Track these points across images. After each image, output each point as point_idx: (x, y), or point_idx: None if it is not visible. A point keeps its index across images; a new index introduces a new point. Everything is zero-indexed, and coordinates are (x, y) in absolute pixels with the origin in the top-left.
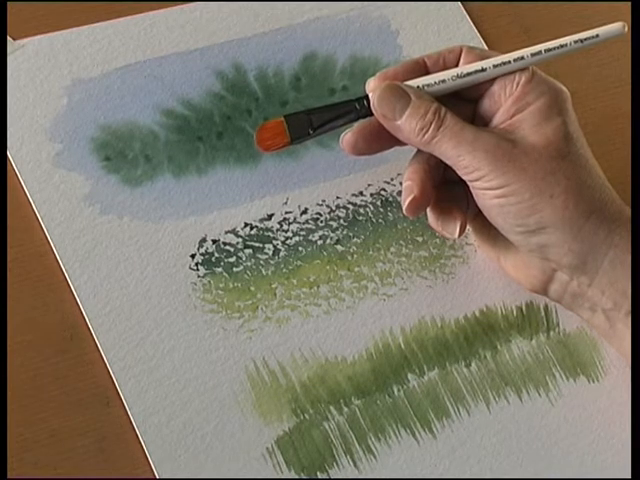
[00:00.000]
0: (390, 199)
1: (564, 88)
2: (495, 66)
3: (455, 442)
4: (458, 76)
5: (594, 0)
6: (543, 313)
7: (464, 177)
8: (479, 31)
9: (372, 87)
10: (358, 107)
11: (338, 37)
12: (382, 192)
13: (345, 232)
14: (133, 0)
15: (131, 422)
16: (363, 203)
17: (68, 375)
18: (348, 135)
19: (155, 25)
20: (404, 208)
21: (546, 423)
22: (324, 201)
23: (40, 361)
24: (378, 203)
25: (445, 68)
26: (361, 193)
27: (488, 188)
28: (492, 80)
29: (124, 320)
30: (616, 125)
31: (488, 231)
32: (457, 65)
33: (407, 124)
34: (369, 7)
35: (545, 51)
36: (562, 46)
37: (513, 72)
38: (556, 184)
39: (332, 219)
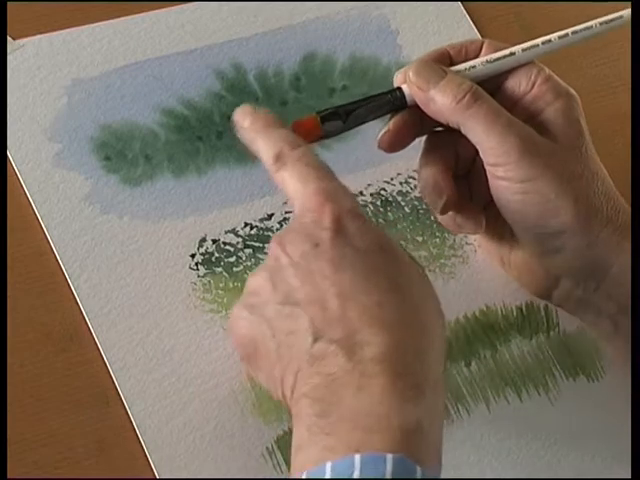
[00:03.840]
0: (390, 199)
1: (575, 93)
2: (524, 50)
3: (455, 442)
4: (488, 61)
5: (594, 0)
6: (543, 313)
7: (487, 160)
8: (479, 31)
9: (401, 78)
10: (392, 98)
11: (338, 37)
12: (382, 192)
13: None
14: (133, 0)
15: (131, 422)
16: (363, 203)
17: (68, 375)
18: (386, 136)
19: (155, 25)
20: (439, 210)
21: (546, 423)
22: None
23: (40, 361)
24: (378, 203)
25: (467, 59)
26: (361, 193)
27: (511, 179)
28: (505, 77)
29: (124, 320)
30: (616, 125)
31: (492, 231)
32: (478, 57)
33: (441, 93)
34: (369, 7)
35: (572, 33)
36: (588, 28)
37: (532, 66)
38: (579, 189)
39: None
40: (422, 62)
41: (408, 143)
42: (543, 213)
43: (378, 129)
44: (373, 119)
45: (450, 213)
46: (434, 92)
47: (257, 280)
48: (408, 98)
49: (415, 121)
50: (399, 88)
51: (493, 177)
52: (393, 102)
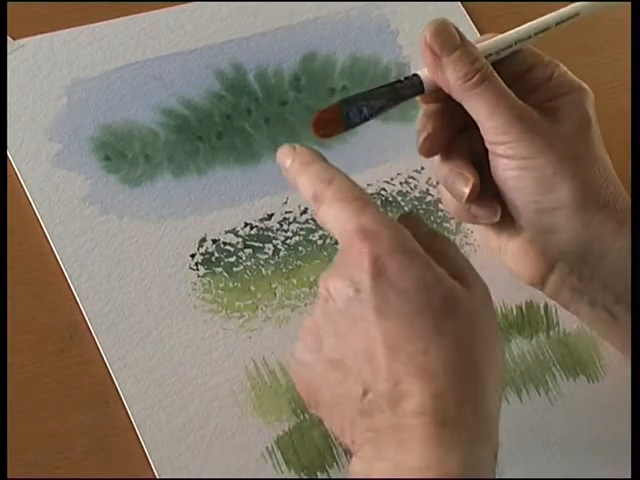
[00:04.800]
0: (390, 199)
1: (588, 88)
2: (530, 27)
3: None
4: (495, 39)
5: (594, 0)
6: (543, 312)
7: (489, 138)
8: (479, 31)
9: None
10: (409, 84)
11: (338, 37)
12: (382, 192)
13: None
14: (133, 0)
15: (131, 422)
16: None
17: (68, 375)
18: (428, 142)
19: (155, 25)
20: (465, 199)
21: (546, 423)
22: None
23: (40, 361)
24: (378, 203)
25: None
26: None
27: (511, 156)
28: (523, 71)
29: (124, 320)
30: (616, 125)
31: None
32: None
33: (453, 65)
34: (369, 7)
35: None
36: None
37: (542, 61)
38: (579, 168)
39: None
40: (442, 24)
41: (444, 144)
42: (539, 189)
43: (379, 129)
44: (392, 107)
45: (443, 169)
46: (446, 61)
47: (311, 323)
48: (426, 84)
49: (447, 119)
50: (415, 74)
51: (493, 155)
52: (411, 88)
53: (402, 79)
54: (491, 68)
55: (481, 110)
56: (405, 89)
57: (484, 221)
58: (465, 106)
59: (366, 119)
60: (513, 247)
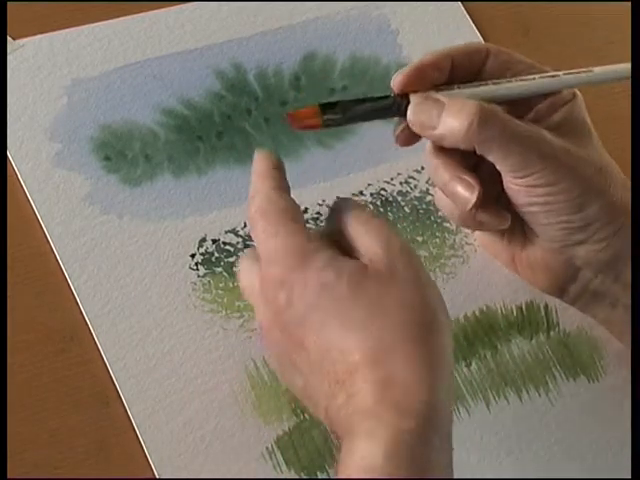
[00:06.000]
0: (390, 199)
1: (579, 94)
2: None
3: (455, 442)
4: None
5: (594, 0)
6: (543, 313)
7: (509, 174)
8: (479, 31)
9: (400, 80)
10: (396, 106)
11: (338, 37)
12: (382, 192)
13: None
14: (133, 0)
15: (131, 422)
16: (363, 203)
17: (68, 375)
18: (406, 132)
19: (155, 25)
20: (471, 206)
21: (546, 423)
22: (324, 201)
23: (40, 361)
24: (378, 203)
25: (472, 66)
26: (361, 193)
27: (537, 185)
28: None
29: (124, 320)
30: (615, 129)
31: (502, 230)
32: (484, 65)
33: (447, 124)
34: (369, 7)
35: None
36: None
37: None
38: (601, 182)
39: None
40: (417, 101)
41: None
42: (569, 209)
43: (379, 129)
44: (373, 120)
45: (470, 211)
46: (440, 129)
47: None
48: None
49: None
50: (407, 95)
51: (514, 184)
52: (397, 109)
53: (391, 96)
54: (484, 105)
55: (497, 152)
56: (390, 110)
57: (492, 228)
58: (479, 152)
59: (342, 124)
60: (528, 258)
